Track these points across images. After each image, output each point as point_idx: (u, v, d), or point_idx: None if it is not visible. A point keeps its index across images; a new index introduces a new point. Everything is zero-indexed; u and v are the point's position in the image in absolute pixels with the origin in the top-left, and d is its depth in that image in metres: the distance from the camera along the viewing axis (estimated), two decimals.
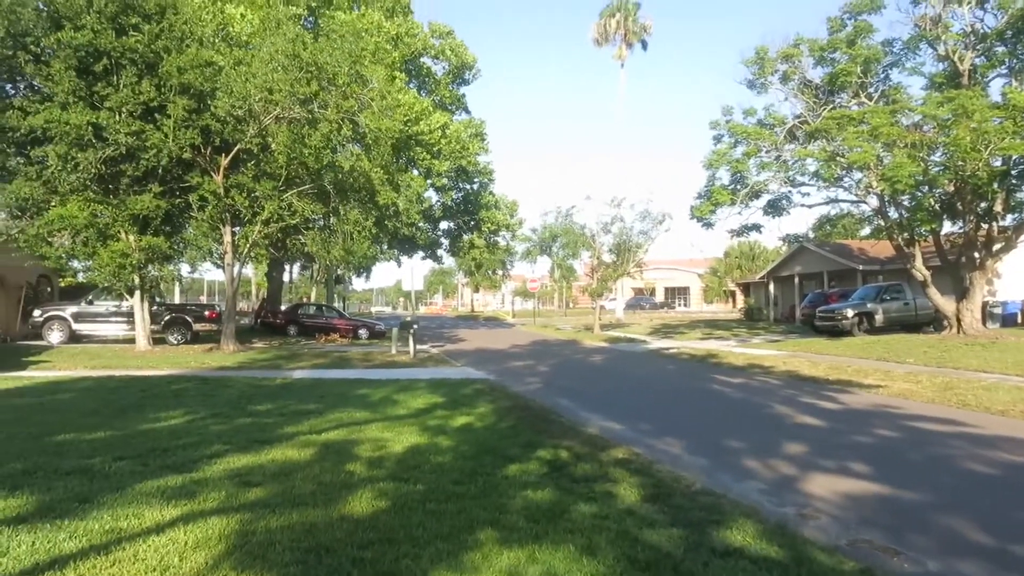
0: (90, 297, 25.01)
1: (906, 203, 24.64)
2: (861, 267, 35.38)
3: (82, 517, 5.27)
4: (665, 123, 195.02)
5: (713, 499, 6.15)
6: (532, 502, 5.84)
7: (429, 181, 36.72)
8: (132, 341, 22.94)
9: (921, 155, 21.60)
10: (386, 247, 38.10)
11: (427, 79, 39.07)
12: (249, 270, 65.33)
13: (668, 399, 13.34)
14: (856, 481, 7.08)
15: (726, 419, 10.96)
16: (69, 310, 24.90)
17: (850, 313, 27.33)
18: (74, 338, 24.62)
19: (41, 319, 24.47)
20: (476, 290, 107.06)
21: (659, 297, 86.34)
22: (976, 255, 24.35)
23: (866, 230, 33.78)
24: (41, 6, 19.44)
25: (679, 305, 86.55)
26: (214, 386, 13.53)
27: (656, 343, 28.16)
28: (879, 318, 27.31)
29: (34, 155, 19.59)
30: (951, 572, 4.78)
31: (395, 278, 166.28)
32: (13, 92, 20.65)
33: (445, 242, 44.98)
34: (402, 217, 28.20)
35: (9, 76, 20.30)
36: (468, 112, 41.57)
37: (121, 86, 19.58)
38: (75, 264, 21.36)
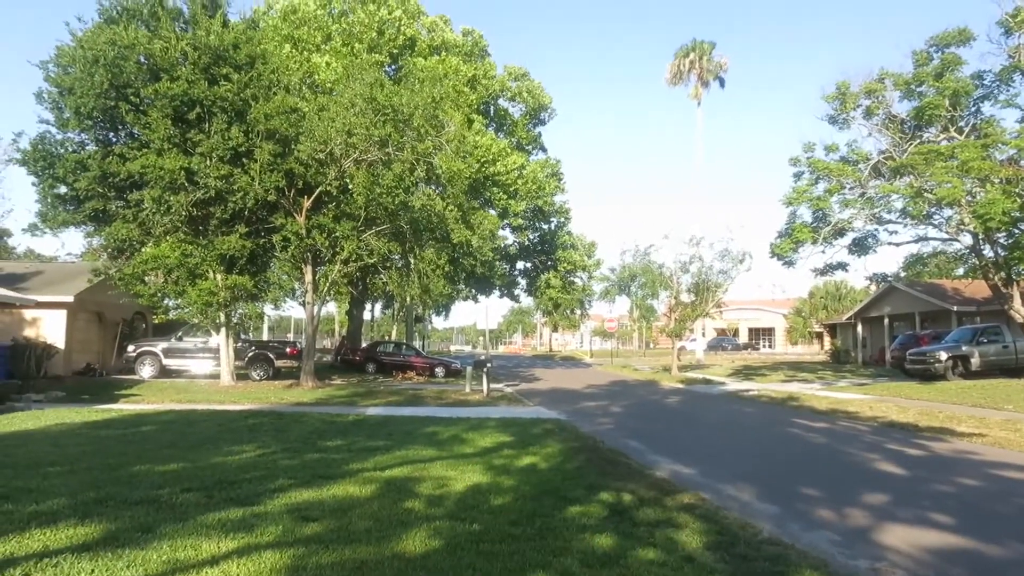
0: (179, 334, 25.93)
1: (1002, 241, 23.44)
2: (955, 308, 33.69)
3: (143, 547, 5.40)
4: (744, 162, 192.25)
5: (780, 549, 5.86)
6: (589, 546, 5.69)
7: (506, 221, 37.01)
8: (218, 376, 23.68)
9: (1017, 190, 20.53)
10: (462, 286, 38.41)
11: (504, 120, 39.75)
12: (332, 308, 67.30)
13: (742, 443, 12.94)
14: (939, 534, 6.63)
15: (803, 465, 10.50)
16: (160, 346, 25.83)
17: (943, 356, 25.88)
18: (164, 373, 25.50)
19: (134, 354, 25.41)
20: (554, 329, 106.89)
21: (743, 338, 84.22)
22: None
23: (960, 269, 32.23)
24: (142, 59, 20.58)
25: (763, 346, 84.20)
26: (288, 421, 13.76)
27: (735, 385, 27.42)
28: (975, 361, 25.75)
29: (131, 199, 20.64)
30: None
31: (474, 317, 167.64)
32: (115, 140, 21.82)
33: (522, 281, 45.25)
34: (475, 255, 28.41)
35: (111, 125, 21.46)
36: (544, 151, 42.11)
37: (212, 132, 20.50)
38: (167, 302, 22.13)
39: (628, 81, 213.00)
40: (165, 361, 25.73)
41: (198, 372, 25.83)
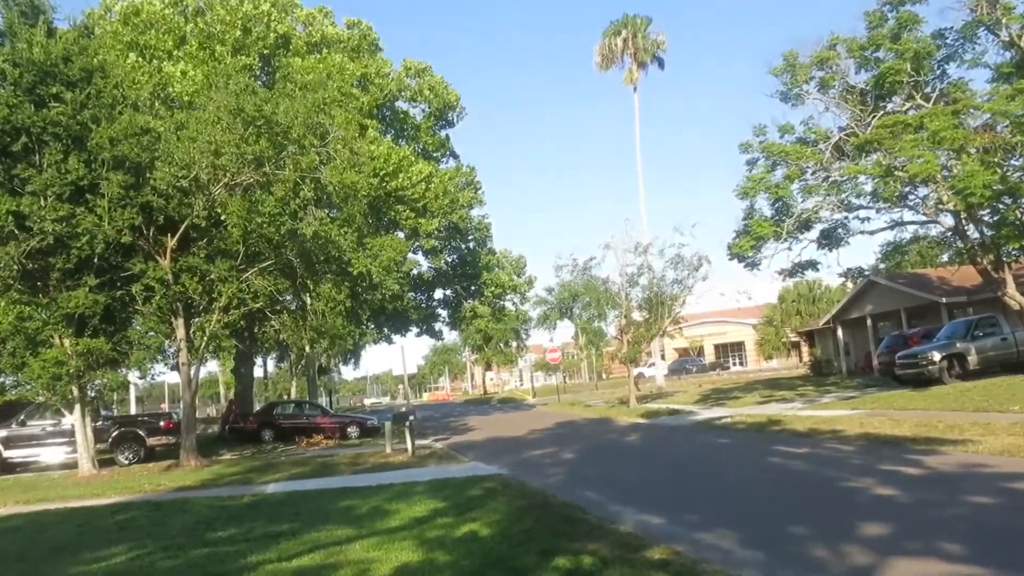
0: (22, 417, 25.04)
1: (987, 218, 24.57)
2: (944, 300, 35.04)
3: None
4: (692, 153, 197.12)
5: None
6: None
7: (416, 243, 37.18)
8: (75, 465, 22.81)
9: (996, 160, 21.61)
10: (368, 324, 38.32)
11: (405, 125, 39.91)
12: (215, 367, 65.73)
13: (718, 480, 13.16)
14: (953, 567, 6.81)
15: (789, 499, 10.71)
16: None
17: (937, 356, 26.87)
18: (5, 468, 24.49)
19: None
20: (487, 368, 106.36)
21: (708, 357, 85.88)
22: None
23: (945, 255, 33.67)
24: None
25: (733, 364, 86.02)
26: (168, 512, 13.48)
27: (705, 413, 27.86)
28: (972, 359, 26.82)
29: None
30: None
31: (390, 362, 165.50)
32: None
33: (443, 313, 45.28)
34: (380, 290, 28.54)
35: None
36: (456, 158, 42.55)
37: (45, 166, 19.88)
38: (3, 379, 21.39)
39: (551, 71, 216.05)
40: (5, 453, 24.75)
41: (50, 462, 24.91)
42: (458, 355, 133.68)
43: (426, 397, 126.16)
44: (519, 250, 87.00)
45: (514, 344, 57.15)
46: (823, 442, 16.42)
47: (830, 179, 25.80)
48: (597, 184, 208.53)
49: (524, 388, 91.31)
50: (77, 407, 21.92)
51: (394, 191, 33.64)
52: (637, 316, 38.01)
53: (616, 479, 14.04)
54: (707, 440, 19.67)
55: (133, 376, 26.76)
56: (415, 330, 45.07)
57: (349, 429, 31.90)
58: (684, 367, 76.20)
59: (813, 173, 25.99)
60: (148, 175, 21.07)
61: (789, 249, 27.19)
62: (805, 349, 59.57)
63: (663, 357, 60.83)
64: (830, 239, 27.11)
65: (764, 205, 27.27)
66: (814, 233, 27.19)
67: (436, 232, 37.58)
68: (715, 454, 16.83)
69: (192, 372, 23.30)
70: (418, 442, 23.24)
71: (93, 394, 22.98)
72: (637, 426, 26.20)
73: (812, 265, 28.40)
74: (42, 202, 19.70)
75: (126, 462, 25.01)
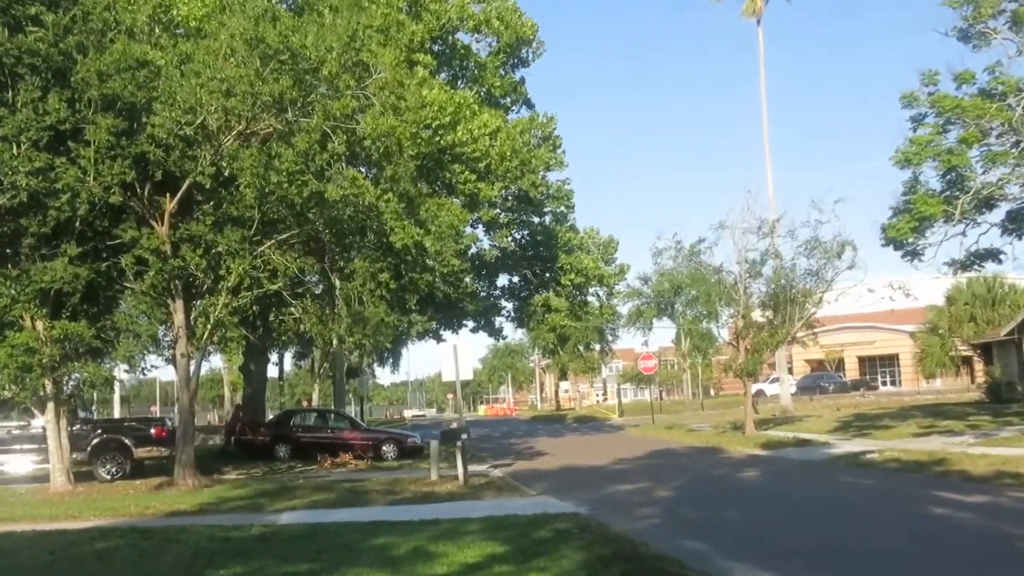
0: None
1: None
2: None
3: None
4: (832, 108, 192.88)
5: None
6: None
7: (476, 215, 36.80)
8: (47, 478, 23.00)
9: None
10: (415, 315, 38.32)
11: (466, 63, 39.62)
12: (219, 363, 66.42)
13: (859, 534, 12.89)
14: None
15: (955, 563, 10.49)
16: None
17: None
18: None
19: None
20: (562, 377, 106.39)
21: (850, 372, 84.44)
22: None
23: None
24: None
25: (883, 382, 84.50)
26: (159, 542, 13.47)
27: (844, 445, 27.40)
28: None
29: None
30: None
31: (437, 365, 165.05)
32: None
33: (507, 305, 45.06)
34: (432, 265, 28.56)
35: None
36: (530, 107, 42.07)
37: (19, 105, 20.03)
38: None
39: (650, 5, 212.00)
40: None
41: (15, 473, 25.36)
42: (525, 359, 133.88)
43: (482, 411, 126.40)
44: (606, 229, 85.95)
45: (597, 348, 56.67)
46: (1005, 490, 16.00)
47: (1022, 145, 25.03)
48: (709, 147, 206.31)
49: (608, 404, 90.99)
50: (50, 406, 22.20)
51: (450, 147, 33.29)
52: (758, 316, 37.14)
53: (725, 526, 13.96)
54: (846, 481, 19.36)
55: (119, 370, 27.11)
56: (470, 325, 44.85)
57: (384, 448, 31.94)
58: (818, 384, 75.00)
59: (999, 136, 25.26)
60: (144, 120, 21.15)
61: (963, 235, 26.67)
62: (979, 367, 58.10)
63: (791, 371, 59.89)
64: (1018, 223, 26.34)
65: (931, 177, 26.65)
66: (998, 215, 26.47)
67: (501, 201, 37.30)
68: (856, 500, 16.55)
69: (192, 368, 23.36)
70: (472, 468, 23.20)
71: (70, 391, 23.24)
72: (755, 459, 26.01)
73: (993, 256, 27.66)
74: (14, 150, 19.78)
75: (108, 477, 25.22)
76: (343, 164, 24.02)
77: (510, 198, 38.23)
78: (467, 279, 38.03)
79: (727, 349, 45.67)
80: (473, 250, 38.83)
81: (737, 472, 22.58)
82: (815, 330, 38.20)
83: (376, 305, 24.09)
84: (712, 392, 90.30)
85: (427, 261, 28.69)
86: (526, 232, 41.72)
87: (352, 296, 23.85)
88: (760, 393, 50.90)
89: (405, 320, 35.03)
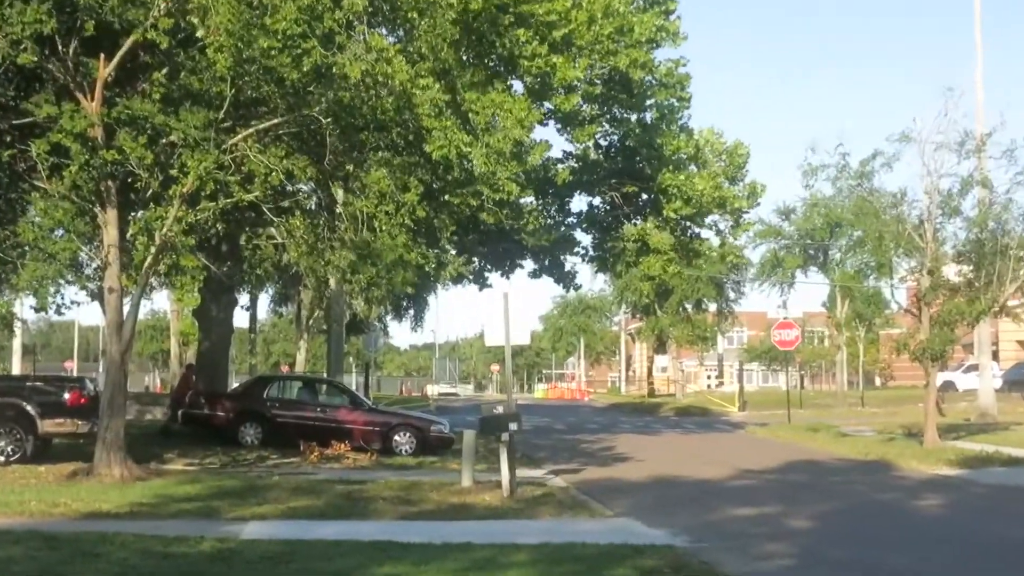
0: None
1: None
2: None
3: None
4: None
5: None
6: None
7: (547, 105, 30.66)
8: None
9: None
10: (452, 251, 32.75)
11: None
12: (165, 304, 62.61)
13: None
14: None
15: None
16: None
17: None
18: None
19: None
20: (659, 349, 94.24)
21: None
22: None
23: None
24: None
25: None
26: (69, 554, 12.08)
27: None
28: None
29: None
30: None
31: (478, 322, 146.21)
32: None
33: (584, 240, 38.74)
34: (483, 186, 24.99)
35: None
36: None
37: None
38: None
39: None
40: None
41: None
42: (606, 320, 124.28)
43: (541, 392, 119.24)
44: (734, 134, 76.37)
45: (713, 308, 50.80)
46: None
47: None
48: (891, 29, 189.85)
49: (724, 392, 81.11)
50: None
51: (511, 4, 27.90)
52: (952, 274, 31.34)
53: (886, 573, 12.77)
54: None
55: (22, 306, 25.52)
56: (529, 266, 38.54)
57: (397, 437, 28.46)
58: None
59: None
60: None
61: None
62: None
63: (995, 356, 53.84)
64: None
65: None
66: None
67: (586, 86, 30.84)
68: None
69: (126, 308, 20.81)
70: (522, 473, 21.35)
71: None
72: (937, 481, 23.46)
73: None
74: None
75: (1, 458, 22.92)
76: (364, 27, 21.47)
77: (599, 82, 31.77)
78: (529, 204, 32.28)
79: (903, 319, 40.73)
80: (540, 160, 32.06)
81: (912, 499, 20.38)
82: None
83: (395, 234, 21.21)
84: (878, 381, 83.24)
85: (476, 182, 25.58)
86: (618, 134, 35.10)
87: (360, 218, 21.11)
88: (949, 386, 47.21)
89: (434, 257, 29.77)
